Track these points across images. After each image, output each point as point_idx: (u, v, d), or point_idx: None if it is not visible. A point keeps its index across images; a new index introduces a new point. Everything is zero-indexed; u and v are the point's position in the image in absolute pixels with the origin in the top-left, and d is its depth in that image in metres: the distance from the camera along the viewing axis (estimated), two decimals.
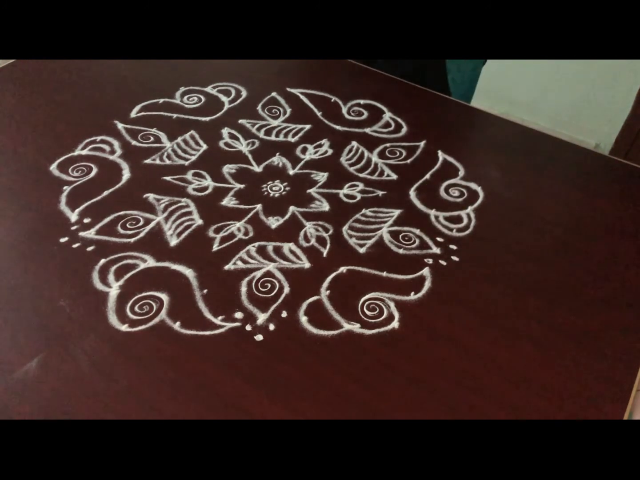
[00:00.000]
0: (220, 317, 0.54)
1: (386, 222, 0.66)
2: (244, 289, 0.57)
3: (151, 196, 0.67)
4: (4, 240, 0.60)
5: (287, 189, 0.69)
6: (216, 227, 0.64)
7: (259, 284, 0.58)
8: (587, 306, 0.58)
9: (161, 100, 0.81)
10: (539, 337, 0.55)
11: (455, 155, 0.75)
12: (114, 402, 0.48)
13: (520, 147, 0.78)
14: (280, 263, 0.60)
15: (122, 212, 0.64)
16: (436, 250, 0.63)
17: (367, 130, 0.79)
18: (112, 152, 0.72)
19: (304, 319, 0.55)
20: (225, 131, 0.77)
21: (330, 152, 0.75)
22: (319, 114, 0.81)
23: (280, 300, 0.56)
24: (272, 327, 0.54)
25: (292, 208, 0.67)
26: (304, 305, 0.56)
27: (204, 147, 0.74)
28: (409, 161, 0.74)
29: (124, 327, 0.53)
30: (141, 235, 0.62)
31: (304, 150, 0.75)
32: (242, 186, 0.69)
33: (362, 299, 0.57)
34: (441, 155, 0.75)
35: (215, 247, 0.61)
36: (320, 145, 0.76)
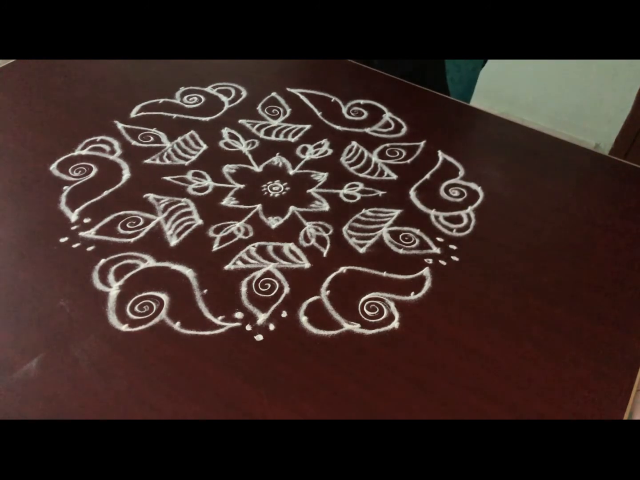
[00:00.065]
0: (220, 317, 0.54)
1: (386, 222, 0.66)
2: (244, 289, 0.57)
3: (151, 196, 0.67)
4: (4, 240, 0.60)
5: (287, 189, 0.69)
6: (216, 227, 0.64)
7: (259, 284, 0.58)
8: (587, 306, 0.58)
9: (161, 100, 0.81)
10: (539, 337, 0.55)
11: (455, 155, 0.75)
12: (114, 402, 0.48)
13: (520, 147, 0.78)
14: (280, 263, 0.60)
15: (122, 212, 0.64)
16: (436, 250, 0.63)
17: (367, 130, 0.79)
18: (112, 152, 0.72)
19: (304, 319, 0.55)
20: (225, 131, 0.77)
21: (330, 152, 0.75)
22: (319, 114, 0.81)
23: (280, 300, 0.56)
24: (272, 327, 0.54)
25: (292, 208, 0.67)
26: (304, 305, 0.56)
27: (204, 147, 0.74)
28: (409, 161, 0.74)
29: (124, 327, 0.53)
30: (141, 235, 0.62)
31: (304, 150, 0.75)
32: (242, 186, 0.69)
33: (362, 299, 0.57)
34: (441, 155, 0.75)
35: (215, 247, 0.61)
36: (320, 145, 0.76)
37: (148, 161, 0.71)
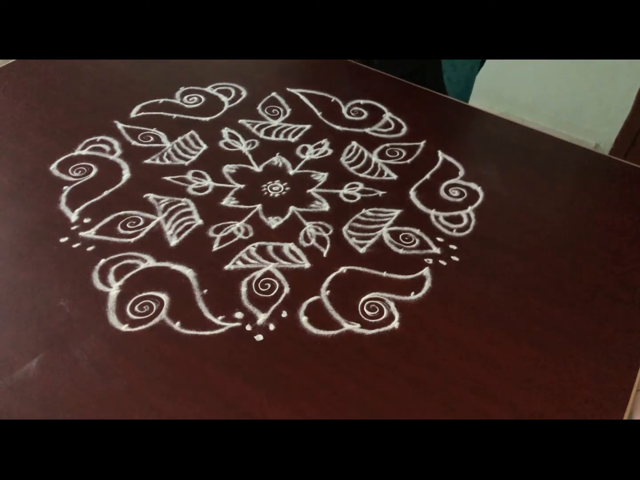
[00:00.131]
0: (220, 317, 0.54)
1: (386, 222, 0.66)
2: (244, 289, 0.57)
3: (151, 196, 0.67)
4: (4, 240, 0.60)
5: (287, 189, 0.69)
6: (216, 227, 0.64)
7: (259, 284, 0.58)
8: (587, 306, 0.58)
9: (161, 100, 0.81)
10: (539, 337, 0.55)
11: (455, 155, 0.75)
12: (114, 402, 0.48)
13: (520, 147, 0.78)
14: (280, 263, 0.60)
15: (122, 212, 0.64)
16: (436, 250, 0.63)
17: (367, 130, 0.79)
18: (112, 152, 0.72)
19: (304, 319, 0.55)
20: (225, 131, 0.77)
21: (330, 152, 0.75)
22: (319, 114, 0.81)
23: (280, 300, 0.56)
24: (272, 327, 0.54)
25: (292, 208, 0.67)
26: (304, 305, 0.56)
27: (204, 147, 0.74)
28: (409, 161, 0.74)
29: (124, 327, 0.53)
30: (141, 235, 0.62)
31: (304, 150, 0.75)
32: (242, 186, 0.69)
33: (362, 299, 0.57)
34: (441, 155, 0.75)
35: (215, 247, 0.61)
36: (320, 145, 0.76)
37: (148, 161, 0.71)
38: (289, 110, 0.81)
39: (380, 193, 0.69)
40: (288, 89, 0.85)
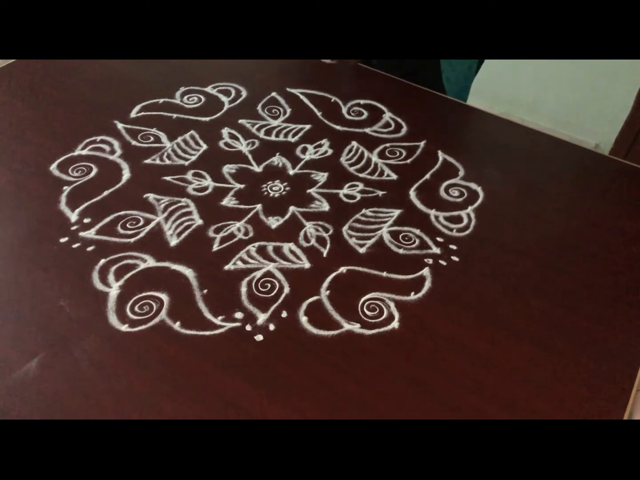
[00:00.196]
0: (220, 317, 0.54)
1: (386, 222, 0.66)
2: (244, 289, 0.57)
3: (151, 196, 0.67)
4: (4, 240, 0.60)
5: (287, 189, 0.69)
6: (216, 227, 0.64)
7: (259, 284, 0.58)
8: (587, 306, 0.58)
9: (161, 100, 0.81)
10: (539, 337, 0.55)
11: (455, 155, 0.75)
12: (114, 402, 0.48)
13: (520, 147, 0.78)
14: (280, 263, 0.60)
15: (122, 212, 0.64)
16: (436, 250, 0.63)
17: (367, 130, 0.79)
18: (112, 152, 0.72)
19: (304, 319, 0.55)
20: (225, 131, 0.77)
21: (330, 152, 0.75)
22: (319, 114, 0.81)
23: (280, 300, 0.56)
24: (272, 327, 0.54)
25: (292, 208, 0.67)
26: (304, 305, 0.56)
27: (204, 147, 0.74)
28: (409, 161, 0.74)
29: (124, 327, 0.53)
30: (141, 235, 0.62)
31: (304, 150, 0.75)
32: (242, 186, 0.69)
33: (362, 299, 0.57)
34: (441, 155, 0.75)
35: (215, 247, 0.61)
36: (320, 145, 0.76)
37: (148, 161, 0.71)
38: (289, 110, 0.81)
39: (380, 193, 0.69)
40: (288, 89, 0.85)
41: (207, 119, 0.79)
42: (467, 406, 0.49)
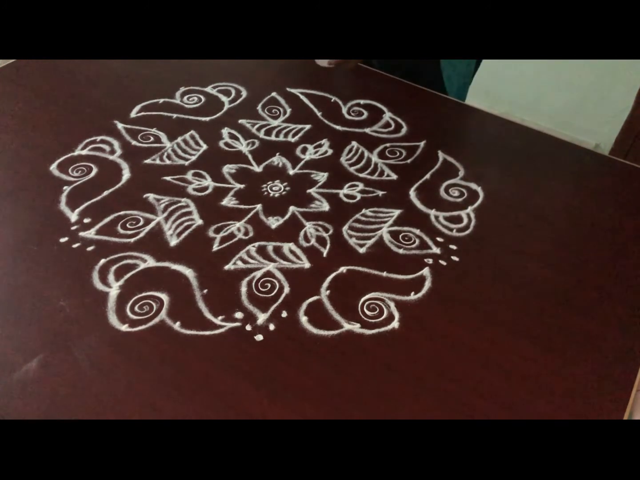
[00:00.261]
0: (220, 317, 0.54)
1: (386, 222, 0.66)
2: (244, 289, 0.57)
3: (151, 196, 0.67)
4: (4, 240, 0.60)
5: (287, 189, 0.69)
6: (216, 227, 0.64)
7: (259, 284, 0.58)
8: (587, 306, 0.58)
9: (161, 100, 0.81)
10: (538, 337, 0.55)
11: (455, 155, 0.75)
12: (114, 402, 0.48)
13: (520, 147, 0.78)
14: (280, 263, 0.60)
15: (122, 212, 0.64)
16: (436, 250, 0.63)
17: (367, 130, 0.79)
18: (112, 152, 0.72)
19: (304, 319, 0.55)
20: (225, 131, 0.77)
21: (330, 152, 0.75)
22: (319, 114, 0.81)
23: (280, 300, 0.56)
24: (272, 327, 0.54)
25: (292, 208, 0.67)
26: (304, 305, 0.56)
27: (204, 147, 0.74)
28: (409, 161, 0.74)
29: (124, 327, 0.53)
30: (141, 235, 0.62)
31: (304, 150, 0.75)
32: (242, 186, 0.69)
33: (362, 299, 0.57)
34: (441, 155, 0.75)
35: (215, 247, 0.61)
36: (320, 145, 0.76)
37: (148, 161, 0.71)
38: (289, 110, 0.81)
39: (380, 193, 0.69)
40: (288, 89, 0.85)
41: (207, 119, 0.79)
42: (467, 406, 0.49)
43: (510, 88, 1.86)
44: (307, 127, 0.79)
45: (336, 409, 0.48)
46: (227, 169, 0.71)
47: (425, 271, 0.60)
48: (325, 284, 0.58)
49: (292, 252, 0.61)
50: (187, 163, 0.72)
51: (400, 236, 0.64)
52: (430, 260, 0.61)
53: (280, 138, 0.77)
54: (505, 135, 0.80)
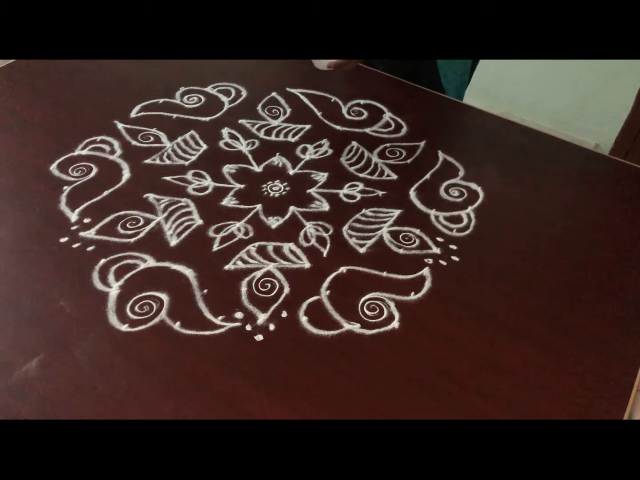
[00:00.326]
0: (220, 317, 0.54)
1: (386, 222, 0.66)
2: (244, 289, 0.57)
3: (151, 196, 0.67)
4: (4, 240, 0.60)
5: (287, 189, 0.69)
6: (216, 227, 0.64)
7: (259, 284, 0.58)
8: (587, 306, 0.58)
9: (161, 100, 0.81)
10: (538, 337, 0.55)
11: (455, 155, 0.75)
12: (114, 402, 0.48)
13: (520, 147, 0.78)
14: (280, 263, 0.60)
15: (122, 212, 0.64)
16: (436, 250, 0.63)
17: (367, 130, 0.79)
18: (112, 152, 0.72)
19: (304, 319, 0.55)
20: (225, 131, 0.77)
21: (330, 152, 0.75)
22: (319, 114, 0.81)
23: (280, 300, 0.56)
24: (272, 327, 0.54)
25: (292, 208, 0.67)
26: (304, 305, 0.56)
27: (204, 147, 0.74)
28: (409, 161, 0.74)
29: (124, 327, 0.53)
30: (141, 235, 0.62)
31: (304, 150, 0.75)
32: (242, 186, 0.69)
33: (362, 299, 0.57)
34: (441, 155, 0.75)
35: (215, 247, 0.61)
36: (320, 145, 0.76)
37: (148, 161, 0.71)
38: (289, 110, 0.81)
39: (380, 193, 0.69)
40: (288, 89, 0.85)
41: (207, 119, 0.79)
42: (467, 406, 0.49)
43: (510, 88, 1.86)
44: (307, 127, 0.79)
45: (336, 409, 0.48)
46: (227, 169, 0.71)
47: (425, 271, 0.60)
48: (325, 284, 0.58)
49: (292, 252, 0.61)
50: (187, 163, 0.72)
51: (400, 236, 0.64)
52: (431, 260, 0.61)
53: (280, 138, 0.77)
54: (505, 135, 0.80)
